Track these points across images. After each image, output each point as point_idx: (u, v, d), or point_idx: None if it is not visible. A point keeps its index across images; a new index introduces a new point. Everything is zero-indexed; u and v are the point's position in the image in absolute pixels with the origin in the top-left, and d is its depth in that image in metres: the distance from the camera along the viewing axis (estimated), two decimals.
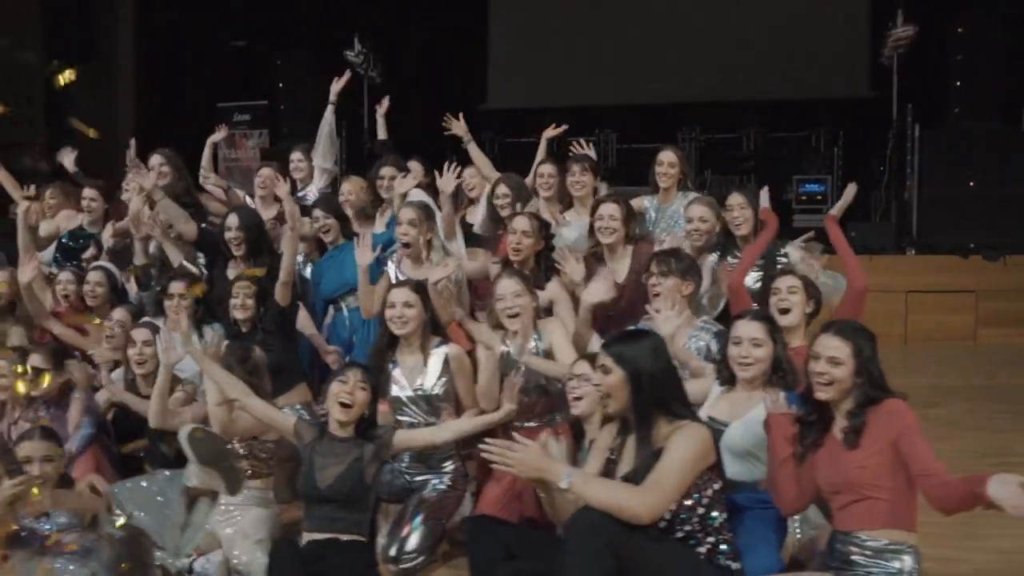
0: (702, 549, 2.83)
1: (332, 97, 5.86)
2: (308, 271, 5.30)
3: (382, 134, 6.03)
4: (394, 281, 4.40)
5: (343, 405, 3.40)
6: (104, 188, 5.83)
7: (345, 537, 3.32)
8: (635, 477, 2.88)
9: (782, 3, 11.90)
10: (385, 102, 6.18)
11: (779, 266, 4.24)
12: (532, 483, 2.99)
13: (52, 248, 5.80)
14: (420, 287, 4.00)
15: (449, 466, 3.87)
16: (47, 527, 3.22)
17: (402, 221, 4.40)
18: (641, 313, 4.24)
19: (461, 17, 12.42)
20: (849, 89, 11.46)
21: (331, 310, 5.11)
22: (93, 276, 5.00)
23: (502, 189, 5.07)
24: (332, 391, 3.42)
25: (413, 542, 3.65)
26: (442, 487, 3.83)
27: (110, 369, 4.64)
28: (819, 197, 10.34)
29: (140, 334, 4.32)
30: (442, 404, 3.87)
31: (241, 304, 4.53)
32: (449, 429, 3.60)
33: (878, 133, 9.72)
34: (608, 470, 3.04)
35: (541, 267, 4.40)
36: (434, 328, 4.03)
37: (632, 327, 3.65)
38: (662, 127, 11.26)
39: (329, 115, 5.79)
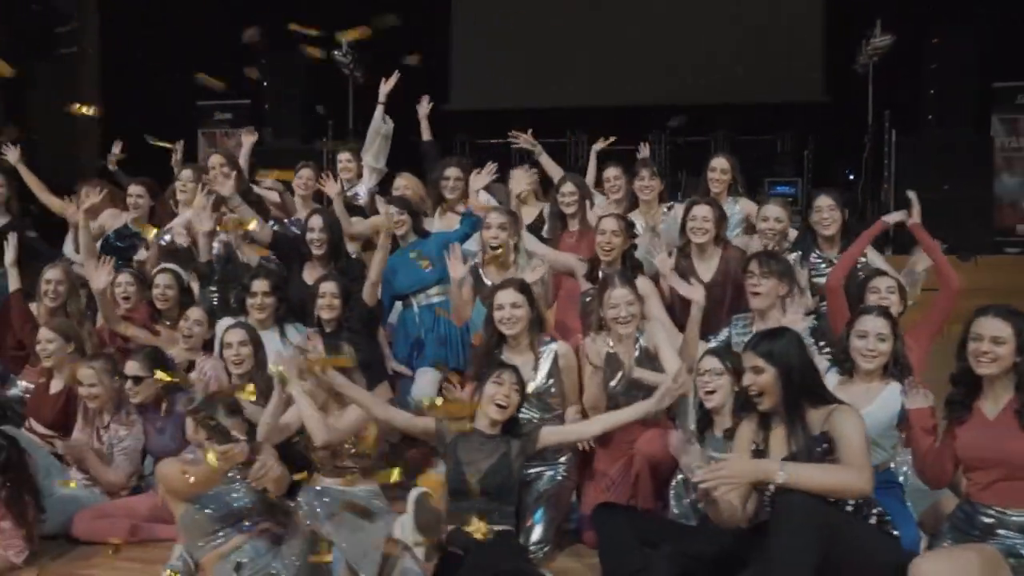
0: (872, 521, 3.06)
1: (381, 98, 5.89)
2: None
3: (427, 135, 6.08)
4: (487, 283, 4.52)
5: (499, 406, 3.53)
6: (151, 185, 5.76)
7: (496, 528, 3.42)
8: (799, 460, 3.05)
9: (743, 9, 12.27)
10: (425, 102, 6.18)
11: (859, 267, 4.48)
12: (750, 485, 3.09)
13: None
14: (525, 287, 4.12)
15: (563, 458, 3.98)
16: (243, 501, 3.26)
17: (491, 225, 4.50)
18: (722, 312, 4.46)
19: (424, 16, 12.43)
20: (806, 94, 11.91)
21: (399, 306, 5.16)
22: (162, 279, 4.97)
23: (568, 187, 5.25)
24: (488, 392, 3.55)
25: (538, 533, 3.75)
26: (559, 479, 3.94)
27: (185, 369, 4.66)
28: (790, 199, 10.74)
29: (235, 335, 4.34)
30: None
31: (328, 304, 4.58)
32: (599, 423, 3.72)
33: (848, 137, 10.16)
34: None
35: (627, 265, 4.57)
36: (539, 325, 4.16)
37: (768, 328, 3.79)
38: (633, 129, 11.53)
39: (379, 115, 5.82)
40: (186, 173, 5.69)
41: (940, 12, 9.47)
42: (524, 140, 5.95)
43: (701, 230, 4.58)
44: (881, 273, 4.20)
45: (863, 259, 4.57)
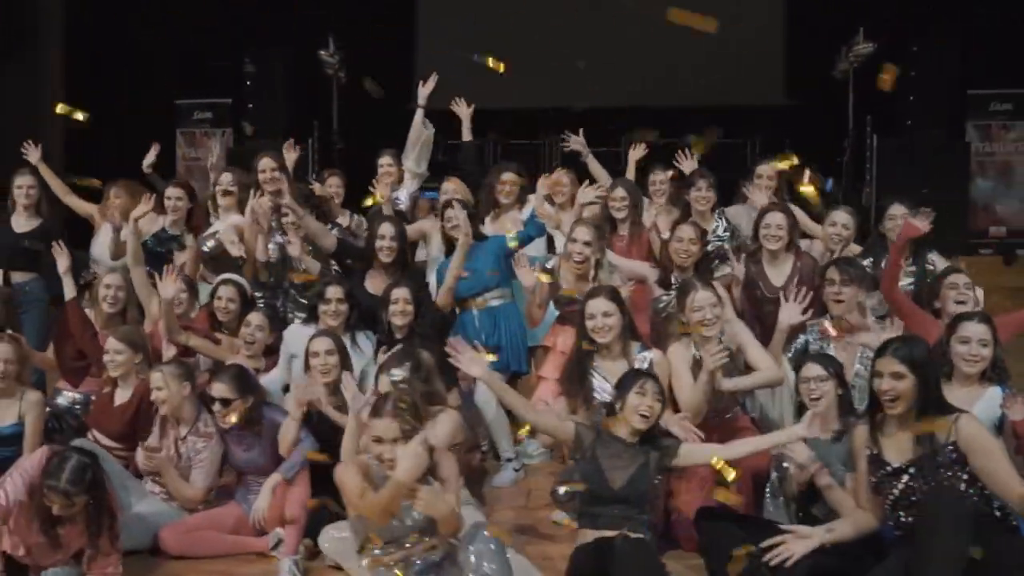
0: (998, 513, 3.20)
1: (421, 100, 5.84)
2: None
3: (467, 135, 6.03)
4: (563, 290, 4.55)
5: (643, 416, 3.55)
6: (189, 187, 5.63)
7: (633, 535, 3.45)
8: (925, 466, 3.20)
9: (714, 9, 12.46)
10: (465, 103, 6.09)
11: (928, 267, 4.64)
12: None
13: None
14: (615, 295, 4.17)
15: None
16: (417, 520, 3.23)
17: (578, 239, 4.52)
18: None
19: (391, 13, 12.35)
20: (767, 98, 12.19)
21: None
22: (225, 291, 4.87)
23: (619, 192, 5.32)
24: (631, 403, 3.56)
25: None
26: None
27: None
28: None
29: (322, 343, 4.28)
30: None
31: (401, 310, 4.55)
32: (742, 447, 3.69)
33: (826, 140, 10.43)
34: (875, 466, 3.35)
35: (700, 271, 4.65)
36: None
37: (904, 334, 3.88)
38: (609, 131, 11.64)
39: (419, 119, 5.77)
40: (227, 177, 5.58)
41: (920, 22, 9.79)
42: (575, 142, 5.98)
43: (776, 237, 4.68)
44: (955, 269, 4.34)
45: (930, 266, 4.73)
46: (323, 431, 4.14)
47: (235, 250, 5.06)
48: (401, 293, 4.58)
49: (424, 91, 5.88)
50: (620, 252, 5.18)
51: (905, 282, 4.69)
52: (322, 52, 9.83)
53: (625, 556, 3.24)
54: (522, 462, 4.68)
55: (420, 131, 5.76)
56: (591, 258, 4.57)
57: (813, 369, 3.80)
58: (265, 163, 5.37)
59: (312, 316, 4.70)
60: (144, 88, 10.51)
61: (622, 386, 3.64)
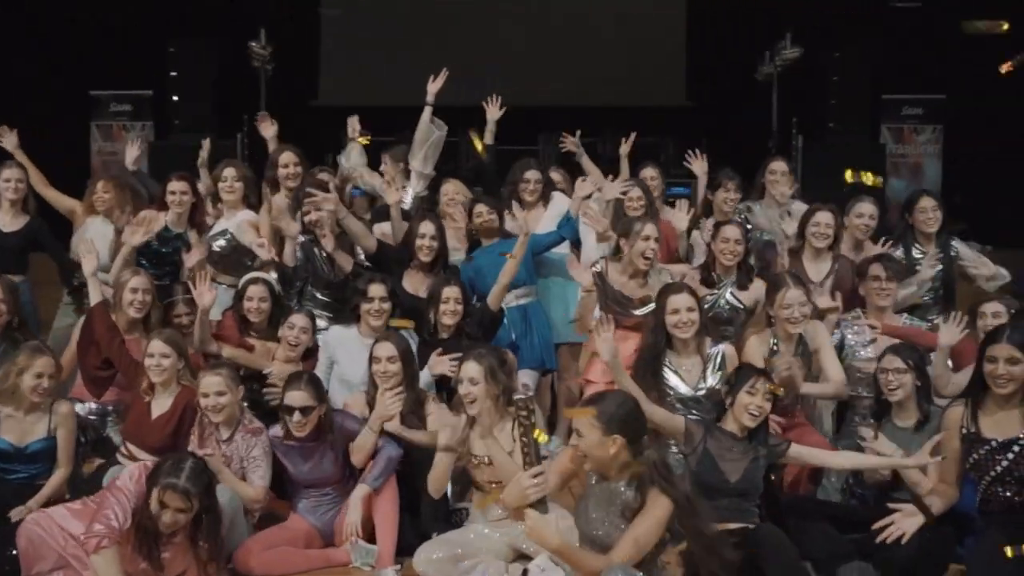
0: None
1: (429, 98, 5.68)
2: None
3: (489, 138, 5.92)
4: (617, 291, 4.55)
5: (752, 415, 3.62)
6: (193, 181, 5.30)
7: (750, 525, 3.53)
8: None
9: (613, 17, 12.77)
10: (494, 105, 5.93)
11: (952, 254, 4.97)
12: None
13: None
14: (693, 291, 4.21)
15: None
16: None
17: (650, 236, 4.51)
18: None
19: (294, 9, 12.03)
20: (669, 98, 12.57)
21: None
22: (256, 291, 4.61)
23: (636, 192, 5.36)
24: (742, 401, 3.63)
25: None
26: None
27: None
28: (685, 200, 11.33)
29: (384, 349, 4.13)
30: None
31: (452, 310, 4.46)
32: (846, 459, 3.87)
33: (750, 141, 10.82)
34: (976, 444, 3.54)
35: (743, 270, 4.74)
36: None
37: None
38: (528, 129, 11.69)
39: (426, 117, 5.61)
40: (230, 171, 5.26)
41: (842, 28, 10.29)
42: (570, 143, 5.96)
43: (823, 235, 4.83)
44: (989, 299, 4.61)
45: (952, 252, 5.02)
46: None
47: (265, 253, 4.78)
48: (452, 292, 4.49)
49: (433, 88, 5.68)
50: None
51: (935, 271, 4.96)
52: (253, 44, 9.47)
53: (774, 542, 3.31)
54: None
55: (429, 130, 5.58)
56: (655, 258, 4.58)
57: (891, 360, 3.96)
58: (287, 157, 5.16)
59: (352, 316, 4.55)
60: (55, 76, 9.83)
61: (735, 383, 3.69)
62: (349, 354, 4.52)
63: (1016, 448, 3.47)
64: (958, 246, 5.13)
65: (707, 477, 3.59)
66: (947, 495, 3.64)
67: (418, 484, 3.89)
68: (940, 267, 4.98)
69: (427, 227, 4.77)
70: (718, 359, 4.15)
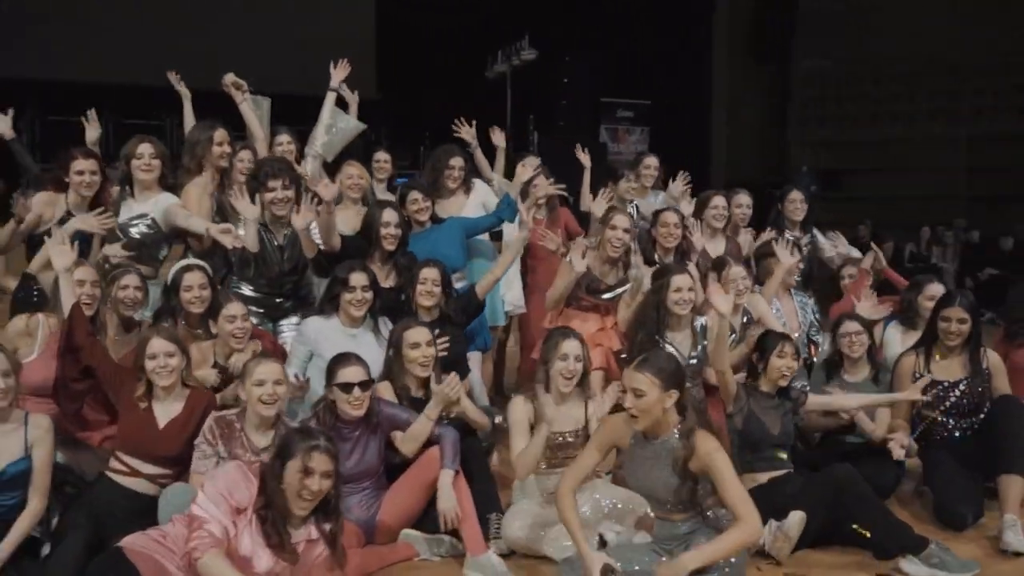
0: None
1: (334, 83, 5.39)
2: None
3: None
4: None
5: (785, 376, 4.07)
6: (101, 160, 4.59)
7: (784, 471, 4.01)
8: (974, 380, 4.33)
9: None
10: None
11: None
12: None
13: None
14: (691, 273, 4.59)
15: None
16: None
17: (617, 227, 4.75)
18: None
19: None
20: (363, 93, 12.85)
21: None
22: (193, 278, 4.16)
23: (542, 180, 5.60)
24: (774, 364, 4.05)
25: None
26: None
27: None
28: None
29: (421, 335, 4.04)
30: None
31: (428, 291, 4.45)
32: (855, 400, 4.38)
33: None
34: (928, 386, 4.31)
35: (678, 254, 5.18)
36: None
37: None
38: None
39: (330, 103, 5.33)
40: (146, 148, 4.60)
41: (572, 34, 11.19)
42: (465, 132, 5.98)
43: (721, 216, 5.51)
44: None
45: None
46: None
47: (230, 240, 4.30)
48: (430, 273, 4.46)
49: (338, 75, 5.43)
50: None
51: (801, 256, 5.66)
52: None
53: (854, 481, 3.73)
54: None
55: (333, 116, 5.33)
56: (629, 245, 4.82)
57: (852, 326, 4.64)
58: (219, 135, 4.69)
59: (332, 307, 4.32)
60: None
61: (762, 349, 4.12)
62: (334, 345, 4.23)
63: (961, 387, 4.33)
64: (817, 235, 5.98)
65: (754, 432, 4.01)
66: (905, 428, 4.39)
67: None
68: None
69: (390, 215, 4.65)
70: (702, 331, 4.56)
